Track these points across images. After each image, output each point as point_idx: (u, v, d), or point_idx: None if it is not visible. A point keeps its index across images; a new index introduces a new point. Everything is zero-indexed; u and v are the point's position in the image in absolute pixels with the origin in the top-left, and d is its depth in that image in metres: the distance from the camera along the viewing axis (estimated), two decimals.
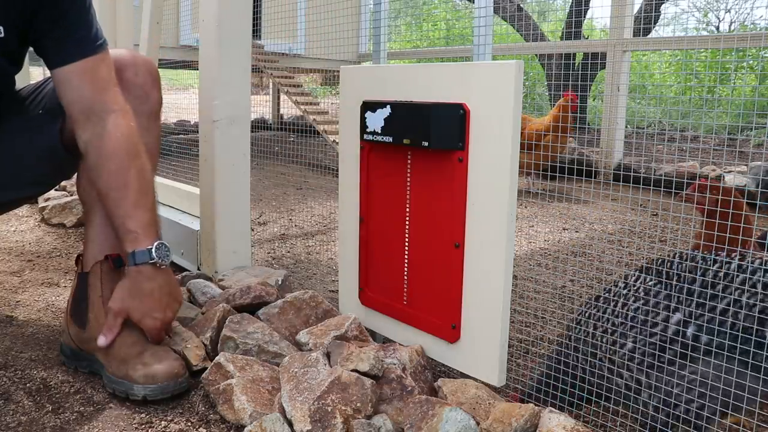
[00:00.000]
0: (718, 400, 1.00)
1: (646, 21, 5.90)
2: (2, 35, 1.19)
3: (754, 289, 0.98)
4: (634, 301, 1.10)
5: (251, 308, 1.48)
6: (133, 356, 1.23)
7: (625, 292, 1.13)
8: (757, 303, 0.98)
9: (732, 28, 11.24)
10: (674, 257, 1.11)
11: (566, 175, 3.60)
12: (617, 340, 1.09)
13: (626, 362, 1.08)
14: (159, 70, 1.50)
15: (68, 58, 1.21)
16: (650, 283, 1.10)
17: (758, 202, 3.00)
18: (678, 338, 1.03)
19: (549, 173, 4.00)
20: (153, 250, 1.21)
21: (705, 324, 1.01)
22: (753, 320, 0.98)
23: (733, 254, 1.06)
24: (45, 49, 1.23)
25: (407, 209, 1.33)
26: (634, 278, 1.14)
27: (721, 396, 1.00)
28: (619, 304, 1.12)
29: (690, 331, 1.02)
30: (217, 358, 1.23)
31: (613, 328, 1.11)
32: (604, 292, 1.18)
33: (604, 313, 1.14)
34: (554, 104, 4.17)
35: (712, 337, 1.00)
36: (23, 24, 1.20)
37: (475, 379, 1.21)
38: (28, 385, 1.27)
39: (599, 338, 1.13)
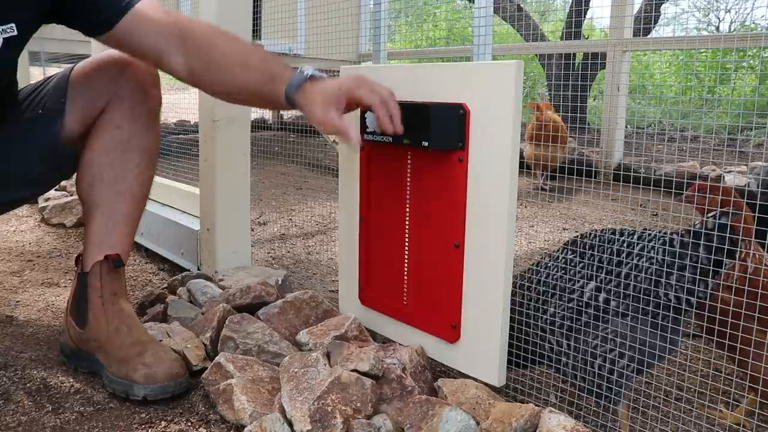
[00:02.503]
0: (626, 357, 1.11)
1: (646, 21, 5.89)
2: (15, 33, 1.16)
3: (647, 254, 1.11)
4: (555, 272, 1.21)
5: (251, 308, 1.47)
6: (133, 356, 1.23)
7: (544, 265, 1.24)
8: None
9: (732, 28, 11.24)
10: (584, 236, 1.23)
11: (566, 175, 3.60)
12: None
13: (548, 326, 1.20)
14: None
15: (126, 7, 1.18)
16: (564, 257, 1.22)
17: (758, 202, 2.99)
18: (591, 303, 1.15)
19: (549, 173, 4.01)
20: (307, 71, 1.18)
21: (611, 287, 1.13)
22: (648, 283, 1.10)
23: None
24: (96, 14, 1.20)
25: (407, 209, 1.32)
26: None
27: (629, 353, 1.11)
28: (542, 276, 1.23)
29: (590, 290, 1.15)
30: (217, 358, 1.24)
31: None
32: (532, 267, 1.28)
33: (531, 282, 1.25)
34: (554, 104, 4.18)
35: (617, 299, 1.13)
36: (51, 6, 1.19)
37: (475, 379, 1.21)
38: (28, 385, 1.27)
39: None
